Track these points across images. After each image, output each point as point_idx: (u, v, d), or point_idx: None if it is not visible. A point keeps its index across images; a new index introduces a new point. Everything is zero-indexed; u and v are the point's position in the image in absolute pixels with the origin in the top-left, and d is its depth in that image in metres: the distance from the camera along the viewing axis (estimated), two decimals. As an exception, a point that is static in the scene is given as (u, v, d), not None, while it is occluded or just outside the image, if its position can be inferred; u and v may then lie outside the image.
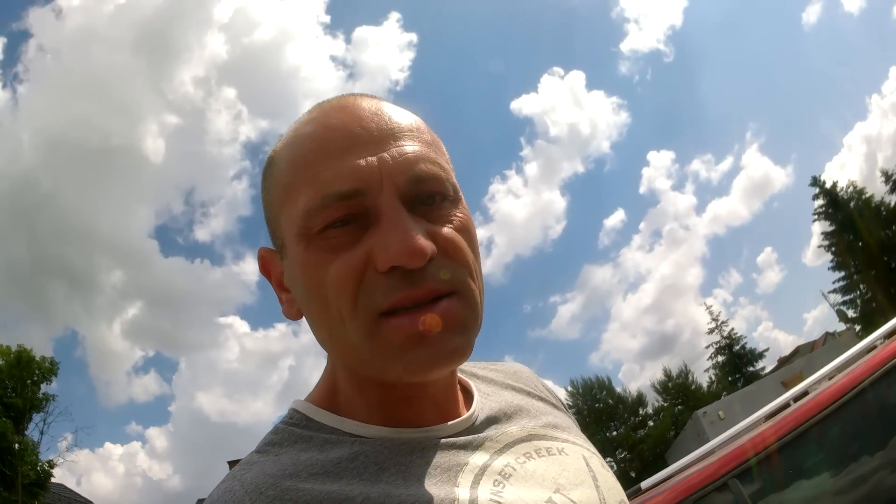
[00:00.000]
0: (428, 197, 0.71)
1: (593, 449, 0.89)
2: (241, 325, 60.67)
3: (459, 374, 0.88)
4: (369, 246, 0.68)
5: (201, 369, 58.84)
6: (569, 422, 0.94)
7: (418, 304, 0.67)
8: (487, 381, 0.92)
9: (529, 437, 0.81)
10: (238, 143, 60.41)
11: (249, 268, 57.12)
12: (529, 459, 0.76)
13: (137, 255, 51.36)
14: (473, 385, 0.88)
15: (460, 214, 0.74)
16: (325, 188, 0.69)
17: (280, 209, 0.75)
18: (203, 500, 0.69)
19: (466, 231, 0.74)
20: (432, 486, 0.68)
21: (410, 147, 0.72)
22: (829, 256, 35.00)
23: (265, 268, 0.83)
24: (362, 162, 0.69)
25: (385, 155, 0.70)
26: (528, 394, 0.94)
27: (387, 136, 0.71)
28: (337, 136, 0.71)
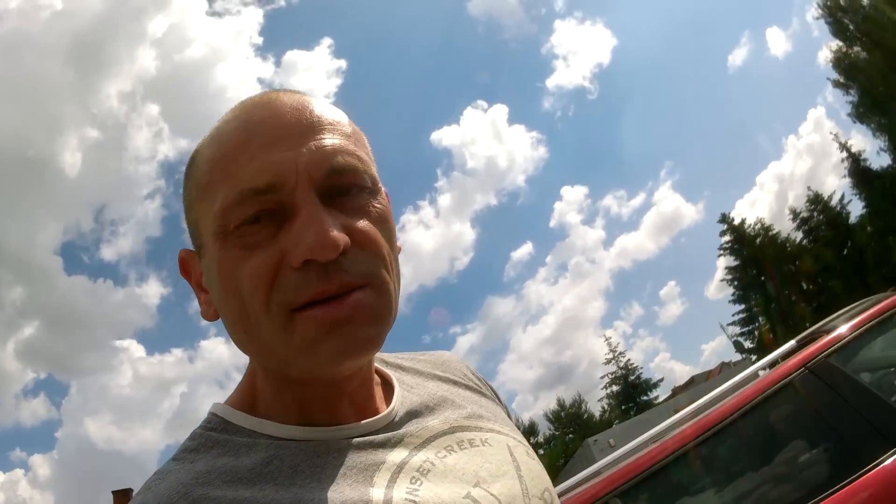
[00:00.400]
0: (345, 188, 0.71)
1: (520, 437, 0.88)
2: (138, 350, 59.53)
3: (383, 367, 0.88)
4: (284, 242, 0.67)
5: (92, 394, 57.45)
6: (496, 410, 0.93)
7: (331, 297, 0.67)
8: (413, 373, 0.92)
9: (452, 430, 0.80)
10: (155, 161, 59.23)
11: (152, 290, 56.40)
12: (451, 453, 0.76)
13: (40, 272, 50.17)
14: (396, 378, 0.87)
15: (378, 205, 0.74)
16: (241, 184, 0.68)
17: (199, 208, 0.74)
18: None
19: (384, 222, 0.74)
20: (346, 488, 0.67)
21: (329, 140, 0.71)
22: (731, 290, 36.23)
23: (185, 269, 0.81)
24: (278, 157, 0.69)
25: (302, 149, 0.69)
26: (455, 383, 0.94)
27: (306, 130, 0.71)
28: (256, 133, 0.71)
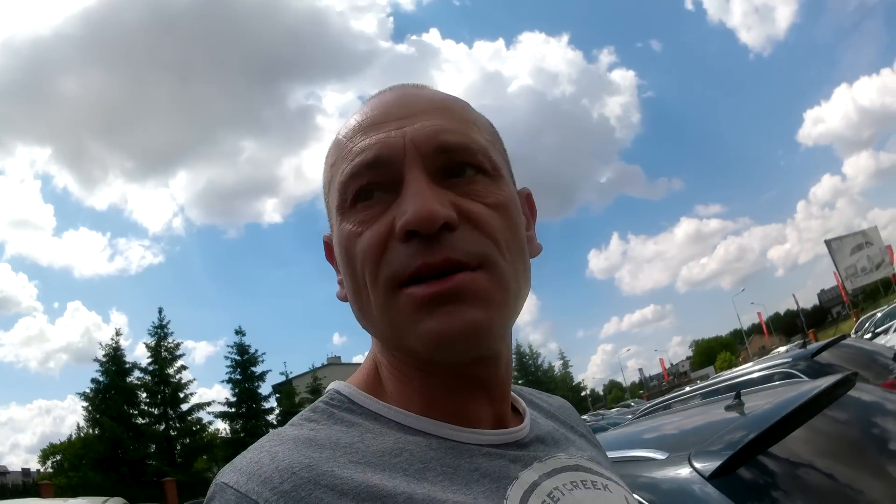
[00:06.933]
0: (458, 169, 0.71)
1: (629, 491, 0.85)
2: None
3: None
4: (393, 215, 0.68)
5: None
6: (609, 462, 0.91)
7: (436, 273, 0.65)
8: (533, 406, 0.89)
9: (576, 467, 0.78)
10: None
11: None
12: (576, 488, 0.73)
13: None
14: (523, 403, 0.86)
15: (499, 192, 0.72)
16: (355, 159, 0.70)
17: (328, 189, 0.78)
18: None
19: (503, 209, 0.71)
20: (480, 495, 0.65)
21: (440, 118, 0.72)
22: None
23: (328, 253, 0.83)
24: (388, 133, 0.70)
25: (411, 126, 0.71)
26: (572, 428, 0.92)
27: (419, 111, 0.72)
28: (374, 115, 0.74)
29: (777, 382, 4.54)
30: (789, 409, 2.13)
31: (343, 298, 0.77)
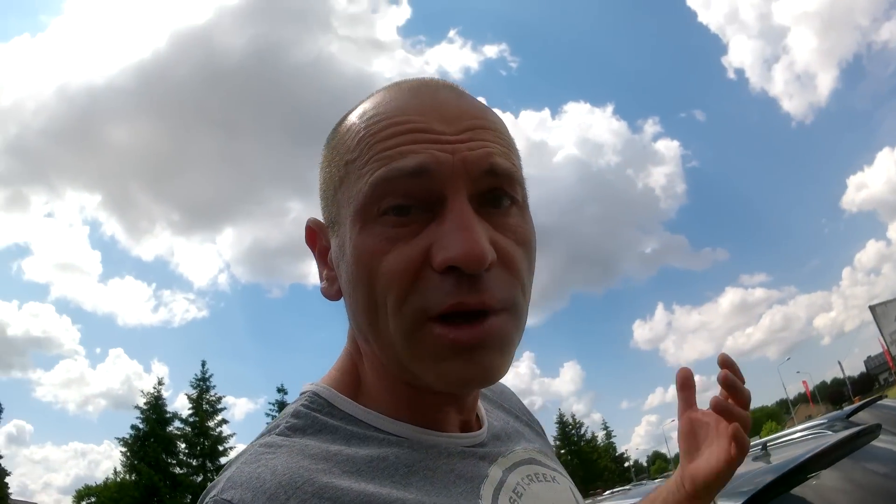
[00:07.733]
0: (497, 198, 0.68)
1: (573, 483, 0.89)
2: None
3: None
4: (429, 240, 0.64)
5: None
6: (551, 451, 0.93)
7: (468, 313, 0.64)
8: (483, 396, 0.89)
9: (530, 460, 0.81)
10: None
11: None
12: (532, 482, 0.77)
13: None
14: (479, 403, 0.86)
15: (525, 225, 0.71)
16: (392, 163, 0.65)
17: (339, 184, 0.71)
18: None
19: (527, 245, 0.70)
20: (459, 497, 0.67)
21: (489, 140, 0.69)
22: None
23: (311, 238, 0.80)
24: (434, 144, 0.66)
25: (461, 142, 0.67)
26: (517, 417, 0.94)
27: (466, 126, 0.68)
28: (411, 117, 0.68)
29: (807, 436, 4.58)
30: (810, 454, 2.26)
31: (332, 297, 0.75)
